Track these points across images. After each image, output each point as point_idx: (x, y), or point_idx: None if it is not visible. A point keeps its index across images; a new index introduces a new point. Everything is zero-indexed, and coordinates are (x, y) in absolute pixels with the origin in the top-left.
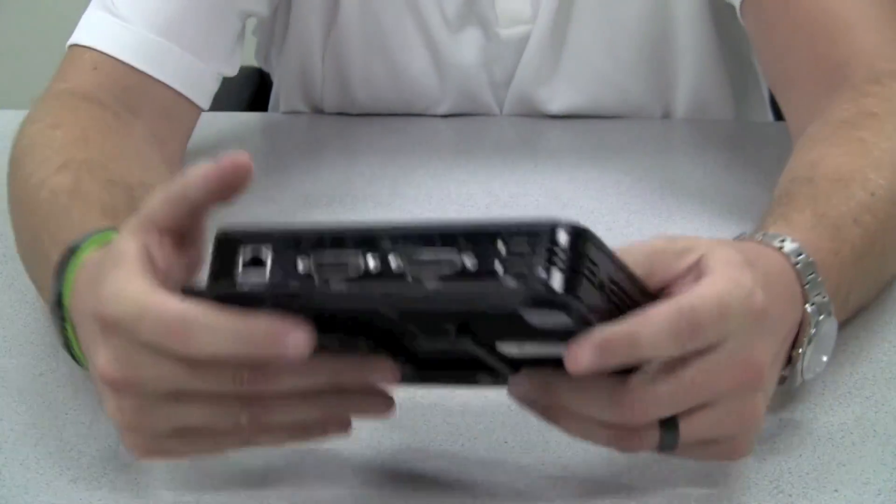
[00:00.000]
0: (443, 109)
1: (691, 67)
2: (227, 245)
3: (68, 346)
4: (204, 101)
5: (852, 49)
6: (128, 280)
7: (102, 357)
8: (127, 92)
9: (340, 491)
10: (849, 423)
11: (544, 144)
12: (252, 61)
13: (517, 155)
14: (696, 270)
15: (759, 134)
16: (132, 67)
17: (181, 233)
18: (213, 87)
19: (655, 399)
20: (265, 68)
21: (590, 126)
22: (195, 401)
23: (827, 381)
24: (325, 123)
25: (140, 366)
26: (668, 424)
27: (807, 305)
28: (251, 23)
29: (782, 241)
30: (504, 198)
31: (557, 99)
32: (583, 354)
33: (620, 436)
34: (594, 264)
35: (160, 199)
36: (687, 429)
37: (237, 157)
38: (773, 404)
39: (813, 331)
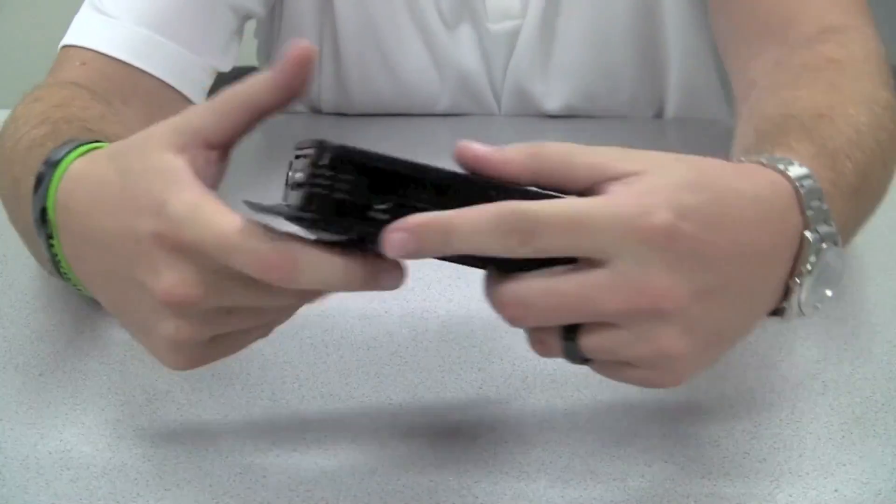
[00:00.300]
0: (441, 107)
1: (681, 63)
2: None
3: (55, 262)
4: (196, 94)
5: (800, 6)
6: (203, 204)
7: (169, 279)
8: (115, 85)
9: (340, 491)
10: (849, 423)
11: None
12: (251, 62)
13: None
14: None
15: None
16: (120, 61)
17: (228, 145)
18: (205, 80)
19: (523, 300)
20: (265, 68)
21: (588, 125)
22: (251, 312)
23: (827, 381)
24: (323, 123)
25: (215, 287)
26: (569, 335)
27: (806, 233)
28: (252, 24)
29: (789, 164)
30: None
31: (552, 94)
32: (395, 236)
33: (533, 338)
34: (351, 182)
35: (212, 110)
36: (587, 343)
37: (300, 47)
38: (772, 403)
39: (813, 259)
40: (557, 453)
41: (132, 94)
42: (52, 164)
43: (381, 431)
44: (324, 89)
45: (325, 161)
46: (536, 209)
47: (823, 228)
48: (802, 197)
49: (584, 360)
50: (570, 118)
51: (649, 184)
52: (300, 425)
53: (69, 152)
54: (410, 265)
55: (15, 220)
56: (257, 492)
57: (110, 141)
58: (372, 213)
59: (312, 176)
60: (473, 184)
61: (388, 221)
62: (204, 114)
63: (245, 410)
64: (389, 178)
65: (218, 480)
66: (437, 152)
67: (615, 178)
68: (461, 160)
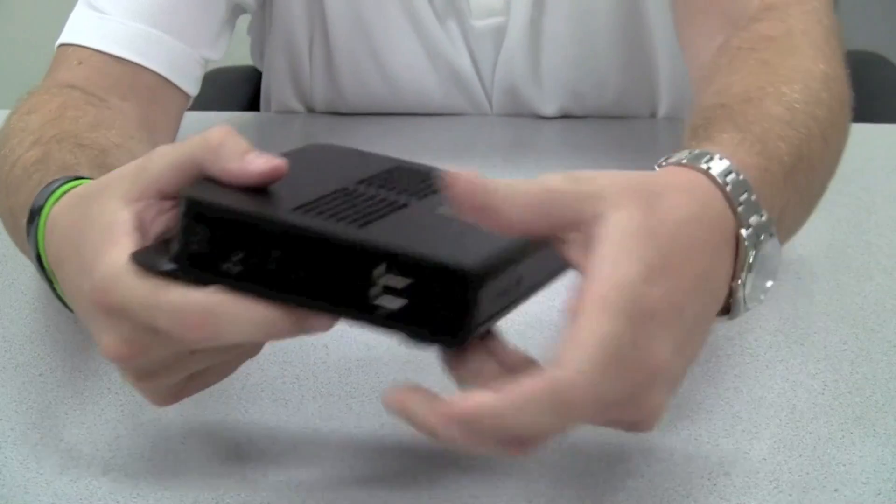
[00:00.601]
0: (434, 104)
1: (671, 63)
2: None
3: (60, 299)
4: (190, 86)
5: None
6: (129, 264)
7: (106, 339)
8: (113, 81)
9: (340, 490)
10: (849, 423)
11: (542, 144)
12: (250, 61)
13: (514, 155)
14: (586, 234)
15: None
16: (117, 58)
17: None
18: (198, 72)
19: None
20: (258, 66)
21: (582, 126)
22: (203, 357)
23: (827, 380)
24: (319, 123)
25: (150, 344)
26: None
27: (742, 231)
28: (245, 19)
29: (709, 159)
30: None
31: (543, 94)
32: (450, 429)
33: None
34: (204, 235)
35: (170, 165)
36: None
37: (274, 165)
38: (772, 403)
39: (752, 254)
40: (558, 454)
41: (130, 89)
42: (36, 211)
43: (381, 430)
44: (315, 86)
45: (184, 212)
46: (571, 381)
47: (755, 220)
48: (729, 194)
49: None
50: (563, 119)
51: (619, 242)
52: (300, 425)
53: (48, 197)
54: None
55: (19, 245)
56: (257, 492)
57: (103, 150)
58: (226, 266)
59: (179, 229)
60: (323, 238)
61: (244, 274)
62: (162, 166)
63: (245, 410)
64: (241, 231)
65: (218, 480)
66: (431, 152)
67: (574, 229)
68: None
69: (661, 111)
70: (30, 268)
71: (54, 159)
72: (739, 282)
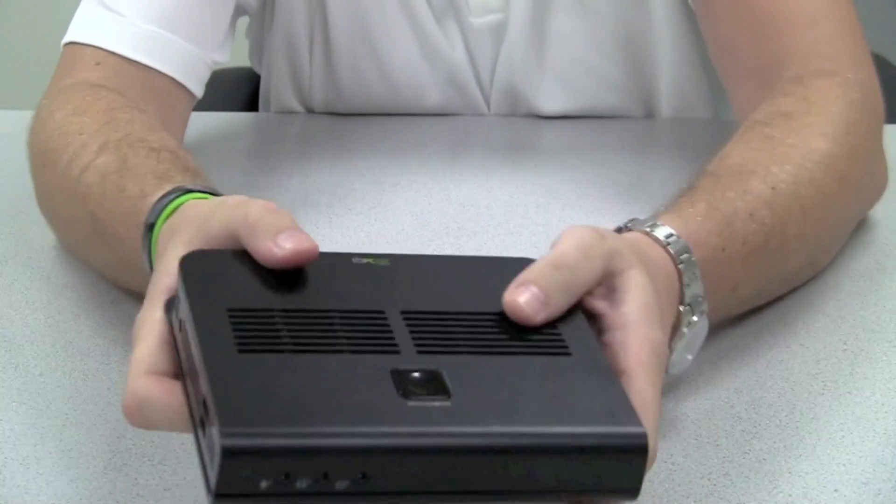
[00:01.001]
0: (431, 104)
1: (671, 65)
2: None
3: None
4: (199, 88)
5: (788, 47)
6: (146, 325)
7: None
8: (132, 84)
9: None
10: (849, 423)
11: (542, 145)
12: (247, 62)
13: (516, 155)
14: (609, 286)
15: None
16: (134, 61)
17: None
18: (206, 74)
19: None
20: (256, 69)
21: (586, 126)
22: None
23: (826, 380)
24: (318, 123)
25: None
26: None
27: (681, 306)
28: (244, 22)
29: (669, 236)
30: (502, 198)
31: (545, 93)
32: None
33: None
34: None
35: (220, 226)
36: None
37: (312, 249)
38: (772, 403)
39: (685, 331)
40: None
41: (147, 93)
42: (148, 227)
43: None
44: (314, 85)
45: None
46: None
47: (692, 299)
48: (681, 272)
49: None
50: (562, 119)
51: (641, 315)
52: None
53: (161, 213)
54: None
55: (88, 256)
56: None
57: (173, 152)
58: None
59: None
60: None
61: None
62: (216, 230)
63: None
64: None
65: None
66: (433, 152)
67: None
68: (511, 315)
69: (662, 112)
70: (30, 268)
71: (139, 166)
72: (670, 347)
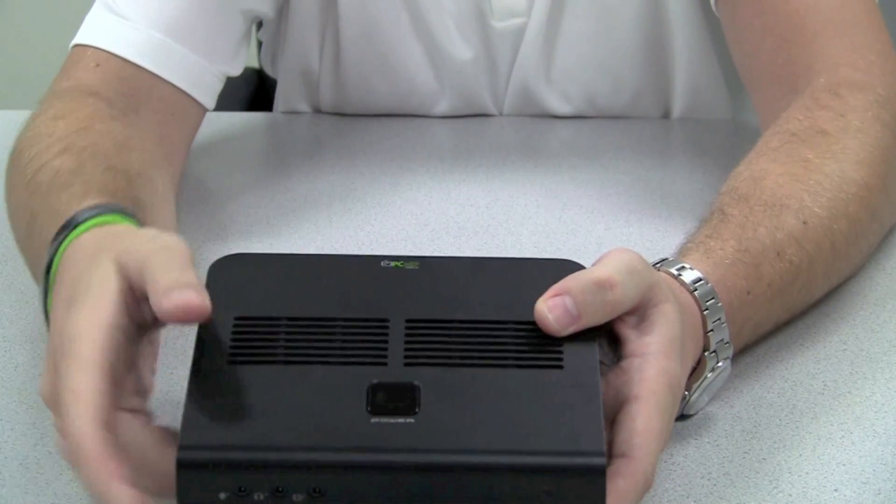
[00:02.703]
0: (440, 109)
1: (688, 65)
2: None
3: (46, 315)
4: (209, 100)
5: (817, 54)
6: (87, 341)
7: (45, 374)
8: (130, 89)
9: None
10: (849, 423)
11: (544, 145)
12: (251, 62)
13: (517, 155)
14: (641, 315)
15: (758, 134)
16: (135, 65)
17: None
18: (217, 86)
19: None
20: (270, 73)
21: (590, 126)
22: None
23: (827, 380)
24: (324, 124)
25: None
26: None
27: (706, 353)
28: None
29: (696, 281)
30: (504, 198)
31: (556, 94)
32: None
33: None
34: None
35: (137, 269)
36: None
37: (200, 308)
38: (772, 403)
39: (709, 376)
40: None
41: (146, 99)
42: (70, 225)
43: None
44: (322, 88)
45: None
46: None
47: (719, 346)
48: (706, 318)
49: None
50: (572, 119)
51: (665, 346)
52: None
53: (90, 218)
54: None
55: (24, 248)
56: None
57: (130, 177)
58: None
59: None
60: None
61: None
62: (155, 257)
63: None
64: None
65: None
66: (438, 153)
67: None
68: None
69: (676, 112)
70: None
71: (93, 176)
72: (686, 393)
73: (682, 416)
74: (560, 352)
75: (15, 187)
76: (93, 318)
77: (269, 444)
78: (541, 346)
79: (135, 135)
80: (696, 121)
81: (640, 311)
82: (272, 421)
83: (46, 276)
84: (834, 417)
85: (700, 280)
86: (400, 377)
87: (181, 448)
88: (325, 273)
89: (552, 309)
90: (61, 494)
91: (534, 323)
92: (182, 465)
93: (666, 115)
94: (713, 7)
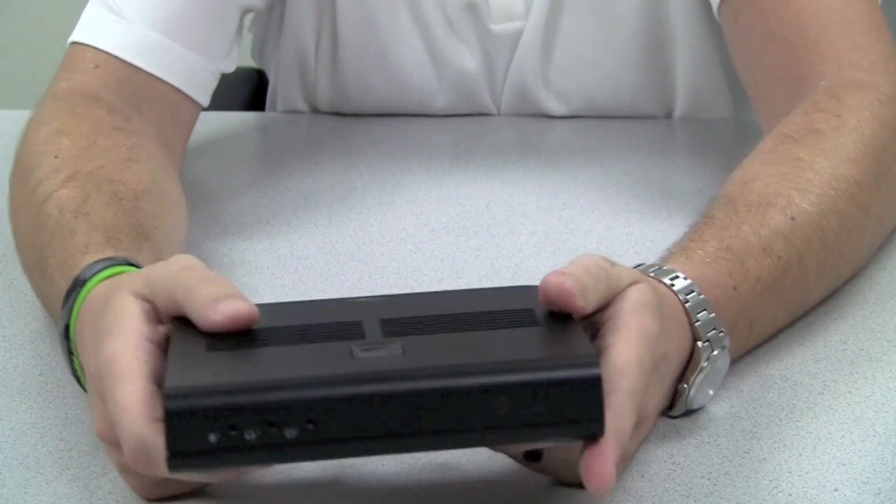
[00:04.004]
0: (438, 106)
1: (689, 66)
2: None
3: (76, 375)
4: (204, 98)
5: (821, 55)
6: (119, 359)
7: (95, 416)
8: (130, 90)
9: (339, 490)
10: (849, 423)
11: (544, 144)
12: (251, 62)
13: (517, 155)
14: (613, 308)
15: (759, 134)
16: (134, 66)
17: None
18: (212, 84)
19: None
20: (260, 65)
21: (590, 126)
22: None
23: (827, 380)
24: (323, 123)
25: (152, 465)
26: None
27: (698, 343)
28: (249, 18)
29: (674, 278)
30: (503, 198)
31: (553, 94)
32: (609, 475)
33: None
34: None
35: (164, 293)
36: (554, 457)
37: (250, 313)
38: (772, 403)
39: (705, 365)
40: None
41: (146, 100)
42: (78, 283)
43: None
44: (320, 85)
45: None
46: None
47: (712, 335)
48: (689, 310)
49: (536, 459)
50: (573, 118)
51: (637, 321)
52: None
53: (95, 274)
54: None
55: (32, 282)
56: (256, 491)
57: (136, 196)
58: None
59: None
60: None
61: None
62: (182, 276)
63: None
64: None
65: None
66: (437, 152)
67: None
68: (548, 299)
69: (678, 112)
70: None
71: (97, 216)
72: (685, 385)
73: (686, 412)
74: (534, 316)
75: (22, 212)
76: (121, 337)
77: (258, 380)
78: (517, 315)
79: (139, 143)
80: (697, 120)
81: (610, 301)
82: (258, 364)
83: (66, 339)
84: (834, 417)
85: (678, 276)
86: (380, 341)
87: (168, 396)
88: (289, 308)
89: (562, 277)
90: (61, 494)
91: (509, 315)
92: (171, 413)
93: (667, 116)
94: (715, 13)
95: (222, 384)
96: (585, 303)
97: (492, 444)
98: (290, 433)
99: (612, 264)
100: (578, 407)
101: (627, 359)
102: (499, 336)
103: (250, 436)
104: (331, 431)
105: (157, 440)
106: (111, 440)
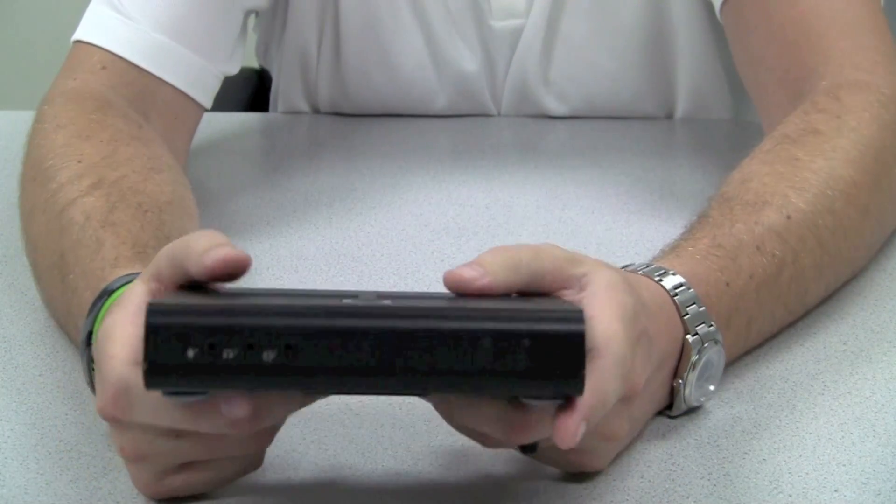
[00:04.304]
0: (439, 106)
1: (690, 66)
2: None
3: (92, 384)
4: (207, 100)
5: (822, 56)
6: (116, 328)
7: (98, 389)
8: (137, 93)
9: (339, 490)
10: (849, 424)
11: (544, 145)
12: (251, 62)
13: (517, 155)
14: (579, 285)
15: (759, 134)
16: (141, 69)
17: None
18: (216, 86)
19: (542, 426)
20: (264, 64)
21: (590, 126)
22: (197, 437)
23: (827, 381)
24: (324, 124)
25: (132, 407)
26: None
27: (688, 336)
28: (252, 20)
29: (662, 273)
30: (504, 198)
31: (554, 94)
32: (574, 432)
33: (486, 441)
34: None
35: (166, 257)
36: (546, 441)
37: (240, 257)
38: (772, 403)
39: (695, 359)
40: None
41: (151, 103)
42: (106, 292)
43: (378, 443)
44: (321, 84)
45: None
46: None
47: (702, 329)
48: (678, 304)
49: (532, 451)
50: (573, 119)
51: (607, 285)
52: (299, 425)
53: (124, 284)
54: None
55: (45, 287)
56: (256, 491)
57: (160, 208)
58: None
59: None
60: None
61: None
62: (162, 257)
63: None
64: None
65: None
66: (437, 153)
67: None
68: (450, 286)
69: (679, 112)
70: (29, 268)
71: (124, 226)
72: (680, 381)
73: (687, 411)
74: (526, 296)
75: (39, 213)
76: (121, 309)
77: (240, 304)
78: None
79: (156, 153)
80: (697, 120)
81: (578, 283)
82: (245, 299)
83: (87, 347)
84: (834, 417)
85: (666, 272)
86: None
87: (150, 312)
88: (277, 292)
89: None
90: (61, 494)
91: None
92: (151, 327)
93: (668, 116)
94: (717, 14)
95: (205, 305)
96: (492, 281)
97: (469, 392)
98: (268, 356)
99: (572, 254)
100: (560, 361)
101: (612, 326)
102: (489, 300)
103: (228, 355)
104: (309, 360)
105: (137, 378)
106: (115, 415)
